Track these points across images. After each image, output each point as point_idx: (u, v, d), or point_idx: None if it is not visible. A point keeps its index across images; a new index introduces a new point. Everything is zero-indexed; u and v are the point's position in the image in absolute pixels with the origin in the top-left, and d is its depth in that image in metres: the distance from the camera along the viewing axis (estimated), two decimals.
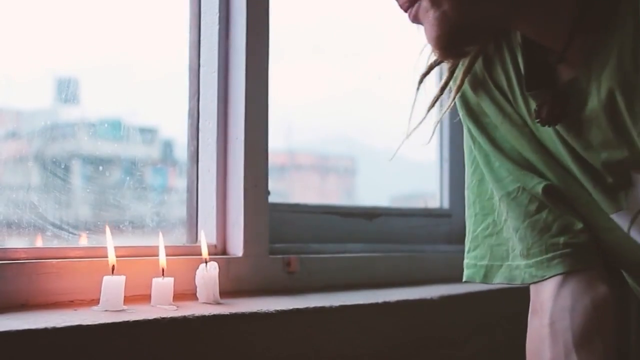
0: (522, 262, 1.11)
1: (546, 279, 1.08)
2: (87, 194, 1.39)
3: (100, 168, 1.39)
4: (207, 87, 1.45)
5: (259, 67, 1.45)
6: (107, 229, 1.18)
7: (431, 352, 1.42)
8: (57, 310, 1.10)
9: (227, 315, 1.15)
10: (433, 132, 1.10)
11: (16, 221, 1.26)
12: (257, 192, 1.43)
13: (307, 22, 1.77)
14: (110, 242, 1.17)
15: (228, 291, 1.34)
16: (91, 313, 1.09)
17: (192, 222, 1.44)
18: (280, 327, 1.20)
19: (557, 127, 0.99)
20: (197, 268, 1.25)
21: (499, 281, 1.14)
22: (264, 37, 1.45)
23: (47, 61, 1.39)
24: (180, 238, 1.45)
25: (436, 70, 1.08)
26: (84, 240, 1.33)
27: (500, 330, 1.54)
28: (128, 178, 1.43)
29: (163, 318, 1.07)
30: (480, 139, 1.11)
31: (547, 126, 1.00)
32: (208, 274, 1.25)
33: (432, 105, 1.06)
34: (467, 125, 1.13)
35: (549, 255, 1.08)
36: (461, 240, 1.20)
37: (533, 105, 1.01)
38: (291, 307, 1.23)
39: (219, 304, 1.23)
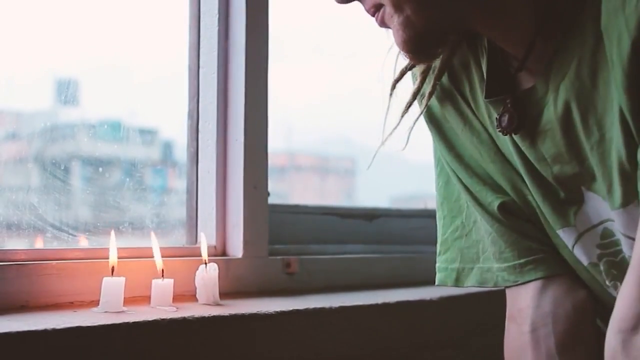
0: (495, 265, 1.09)
1: (519, 284, 1.08)
2: (87, 195, 1.39)
3: (100, 169, 1.40)
4: (206, 88, 1.45)
5: (259, 68, 1.45)
6: (112, 233, 1.18)
7: (431, 353, 1.42)
8: (57, 312, 1.10)
9: (227, 316, 1.15)
10: (408, 139, 1.09)
11: (16, 222, 1.26)
12: (257, 193, 1.43)
13: (306, 23, 1.77)
14: (113, 243, 1.17)
15: (228, 292, 1.34)
16: (91, 314, 1.09)
17: (192, 224, 1.44)
18: (280, 328, 1.20)
19: (514, 136, 0.98)
20: (197, 269, 1.25)
21: (471, 284, 1.13)
22: (263, 38, 1.45)
23: (47, 62, 1.39)
24: (180, 239, 1.45)
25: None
26: (83, 242, 1.33)
27: (500, 331, 1.53)
28: (128, 179, 1.43)
29: (163, 319, 1.07)
30: (440, 145, 1.11)
31: (507, 135, 0.99)
32: (208, 275, 1.25)
33: (405, 111, 1.05)
34: (430, 131, 1.13)
35: (522, 260, 1.07)
36: None
37: (494, 113, 1.00)
38: (291, 308, 1.23)
39: (218, 305, 1.23)
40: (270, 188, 1.46)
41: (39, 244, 1.28)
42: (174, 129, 1.54)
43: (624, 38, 0.81)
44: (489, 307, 1.55)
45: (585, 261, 1.01)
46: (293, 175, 2.07)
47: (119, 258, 1.17)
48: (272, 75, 1.47)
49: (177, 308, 1.17)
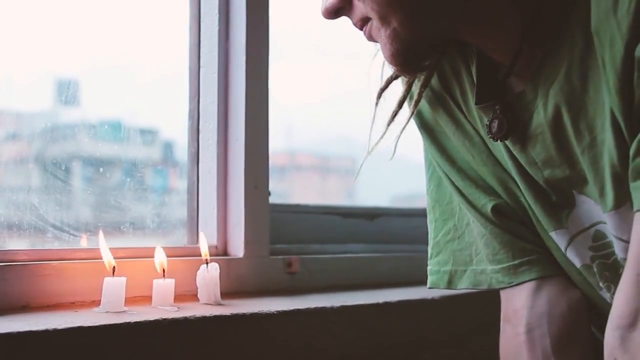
0: (489, 267, 1.09)
1: (514, 285, 1.08)
2: (88, 195, 1.39)
3: (101, 169, 1.39)
4: (207, 88, 1.45)
5: (259, 68, 1.45)
6: (101, 234, 1.18)
7: (432, 352, 1.42)
8: (58, 312, 1.10)
9: (228, 316, 1.15)
10: (395, 148, 1.09)
11: (17, 223, 1.26)
12: (258, 192, 1.43)
13: (307, 23, 1.77)
14: (104, 244, 1.17)
15: (229, 292, 1.34)
16: (92, 314, 1.09)
17: (193, 223, 1.44)
18: (281, 328, 1.20)
19: (505, 141, 0.99)
20: (198, 269, 1.25)
21: (464, 286, 1.13)
22: (264, 38, 1.45)
23: (47, 63, 1.39)
24: (181, 239, 1.45)
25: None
26: (84, 242, 1.33)
27: None
28: (128, 179, 1.43)
29: (164, 319, 1.07)
30: (432, 149, 1.11)
31: (497, 141, 0.99)
32: (209, 274, 1.25)
33: (392, 120, 1.05)
34: (421, 135, 1.13)
35: (516, 261, 1.07)
36: None
37: (485, 118, 1.00)
38: (292, 308, 1.23)
39: (220, 304, 1.23)
40: (271, 188, 1.46)
41: (40, 244, 1.28)
42: (175, 129, 1.54)
43: (616, 40, 0.81)
44: (490, 306, 1.55)
45: (578, 263, 1.01)
46: (294, 175, 2.07)
47: (120, 258, 1.17)
48: (273, 75, 1.47)
49: (178, 308, 1.17)
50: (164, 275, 1.20)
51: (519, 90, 0.95)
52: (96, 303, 1.15)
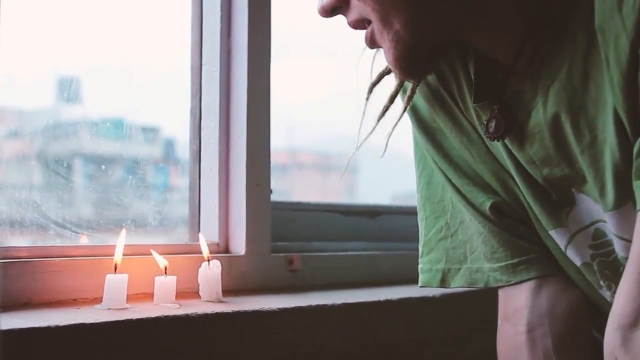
0: (486, 265, 1.09)
1: (512, 284, 1.07)
2: (90, 192, 1.40)
3: (103, 167, 1.40)
4: (209, 86, 1.45)
5: (261, 66, 1.45)
6: (123, 232, 1.18)
7: (433, 350, 1.42)
8: (60, 309, 1.10)
9: (230, 313, 1.15)
10: (386, 146, 1.08)
11: (19, 220, 1.27)
12: (259, 190, 1.43)
13: (308, 21, 1.77)
14: (121, 241, 1.17)
15: (230, 289, 1.34)
16: (94, 311, 1.09)
17: (195, 221, 1.45)
18: (282, 325, 1.20)
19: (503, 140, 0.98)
20: (200, 266, 1.25)
21: (458, 285, 1.12)
22: (265, 36, 1.45)
23: (49, 60, 1.39)
24: (182, 237, 1.45)
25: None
26: (86, 239, 1.33)
27: None
28: (130, 177, 1.43)
29: (166, 316, 1.07)
30: (428, 146, 1.10)
31: (495, 141, 0.98)
32: (210, 272, 1.25)
33: (382, 115, 1.04)
34: (414, 132, 1.12)
35: (515, 260, 1.06)
36: None
37: (483, 116, 0.99)
38: (293, 305, 1.23)
39: (221, 302, 1.23)
40: (272, 185, 1.47)
41: (42, 241, 1.28)
42: (177, 126, 1.54)
43: (621, 38, 0.81)
44: (491, 305, 1.55)
45: (578, 262, 1.01)
46: (295, 173, 2.08)
47: (122, 255, 1.17)
48: (275, 73, 1.47)
49: (180, 305, 1.17)
50: (165, 273, 1.20)
51: (518, 89, 0.95)
52: (98, 300, 1.15)
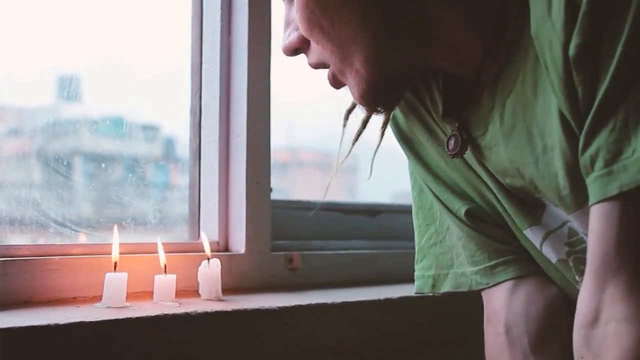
0: (468, 269, 1.11)
1: (491, 286, 1.09)
2: (90, 191, 1.39)
3: (103, 165, 1.40)
4: (209, 84, 1.45)
5: (261, 64, 1.45)
6: (115, 229, 1.18)
7: (434, 348, 1.42)
8: (60, 307, 1.10)
9: (230, 312, 1.15)
10: (371, 169, 1.11)
11: (19, 218, 1.27)
12: (260, 189, 1.43)
13: None
14: (115, 239, 1.17)
15: (230, 288, 1.34)
16: (94, 310, 1.09)
17: (194, 219, 1.45)
18: (282, 324, 1.20)
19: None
20: (200, 265, 1.25)
21: (446, 289, 1.15)
22: (266, 34, 1.45)
23: (49, 59, 1.39)
24: (182, 235, 1.45)
25: None
26: (86, 238, 1.33)
27: None
28: (130, 175, 1.43)
29: (165, 315, 1.07)
30: (409, 157, 1.12)
31: (454, 158, 1.00)
32: (210, 270, 1.25)
33: (356, 139, 1.07)
34: (399, 144, 1.14)
35: (492, 262, 1.08)
36: None
37: (450, 129, 1.01)
38: (293, 304, 1.23)
39: (221, 300, 1.23)
40: (272, 184, 1.47)
41: (42, 239, 1.28)
42: (177, 125, 1.54)
43: (554, 42, 0.81)
44: None
45: (554, 258, 1.02)
46: (295, 171, 2.08)
47: (121, 254, 1.17)
48: (275, 71, 1.47)
49: (179, 304, 1.17)
50: (165, 271, 1.20)
51: (480, 103, 0.96)
52: (98, 298, 1.15)
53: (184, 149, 1.50)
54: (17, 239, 1.27)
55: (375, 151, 1.09)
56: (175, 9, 1.53)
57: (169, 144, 1.59)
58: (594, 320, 0.81)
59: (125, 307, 1.12)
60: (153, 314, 1.06)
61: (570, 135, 0.85)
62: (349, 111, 1.08)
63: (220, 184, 1.43)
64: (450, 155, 1.00)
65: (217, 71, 1.44)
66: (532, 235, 1.02)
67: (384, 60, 0.92)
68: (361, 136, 1.07)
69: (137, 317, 1.04)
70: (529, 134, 0.90)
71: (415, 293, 1.19)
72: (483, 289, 1.12)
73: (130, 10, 1.47)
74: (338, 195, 2.10)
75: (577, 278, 1.00)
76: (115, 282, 1.13)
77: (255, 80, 1.43)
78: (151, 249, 1.25)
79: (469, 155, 1.00)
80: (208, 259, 1.25)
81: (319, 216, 1.65)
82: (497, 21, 0.91)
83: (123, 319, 1.03)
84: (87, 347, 0.99)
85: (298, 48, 0.96)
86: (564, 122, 0.85)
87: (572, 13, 0.79)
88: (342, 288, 1.47)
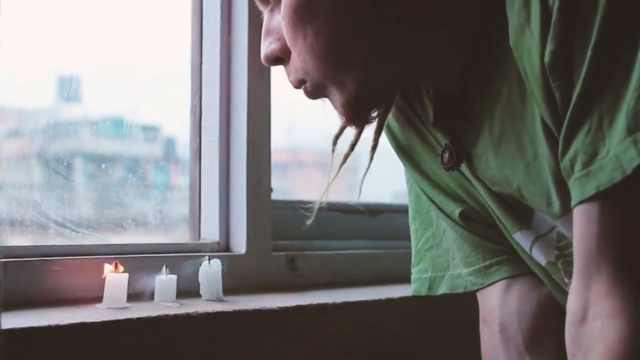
0: (463, 271, 1.13)
1: (486, 286, 1.11)
2: (90, 191, 1.39)
3: (103, 166, 1.39)
4: (209, 84, 1.45)
5: (261, 64, 1.43)
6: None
7: (434, 348, 1.42)
8: (61, 308, 1.10)
9: (231, 312, 1.15)
10: (361, 187, 1.13)
11: (19, 219, 1.26)
12: (260, 189, 1.43)
13: None
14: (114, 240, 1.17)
15: (231, 288, 1.33)
16: (94, 311, 1.09)
17: (195, 220, 1.44)
18: (283, 324, 1.20)
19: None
20: (200, 265, 1.25)
21: (442, 291, 1.17)
22: None
23: (49, 59, 1.39)
24: (183, 235, 1.45)
25: None
26: (86, 238, 1.33)
27: None
28: (130, 176, 1.43)
29: (166, 315, 1.07)
30: (403, 161, 1.13)
31: (449, 172, 1.02)
32: (211, 271, 1.25)
33: (344, 162, 1.08)
34: (392, 148, 1.15)
35: (486, 262, 1.10)
36: None
37: (442, 138, 1.02)
38: (294, 304, 1.23)
39: (222, 301, 1.23)
40: (273, 184, 1.46)
41: (42, 240, 1.28)
42: (177, 125, 1.53)
43: (532, 51, 0.82)
44: None
45: (543, 261, 1.02)
46: (296, 171, 2.07)
47: (122, 254, 1.17)
48: (275, 71, 1.46)
49: (180, 304, 1.17)
50: (166, 272, 1.20)
51: (469, 113, 0.97)
52: (98, 299, 1.15)
53: (184, 149, 1.50)
54: (18, 240, 1.27)
55: (366, 171, 1.09)
56: (175, 9, 1.53)
57: (169, 144, 1.59)
58: (583, 318, 0.82)
59: (126, 307, 1.12)
60: (154, 315, 1.06)
61: (553, 141, 0.86)
62: (337, 137, 1.09)
63: (220, 185, 1.43)
64: (445, 169, 1.01)
65: (217, 71, 1.44)
66: (522, 239, 1.03)
67: (372, 73, 0.92)
68: (364, 136, 1.07)
69: (138, 318, 1.04)
70: (519, 141, 0.91)
71: (412, 295, 1.21)
72: (478, 290, 1.13)
73: (130, 11, 1.46)
74: (339, 195, 2.10)
75: (566, 280, 1.01)
76: (116, 283, 1.13)
77: (256, 80, 1.43)
78: (152, 250, 1.25)
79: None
80: (209, 259, 1.25)
81: (319, 216, 1.64)
82: (480, 34, 0.91)
83: (124, 320, 1.03)
84: (87, 348, 0.99)
85: (279, 58, 0.96)
86: (546, 129, 0.86)
87: (547, 21, 0.80)
88: (343, 288, 1.47)
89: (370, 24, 0.89)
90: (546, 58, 0.80)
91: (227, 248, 1.43)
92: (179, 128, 1.53)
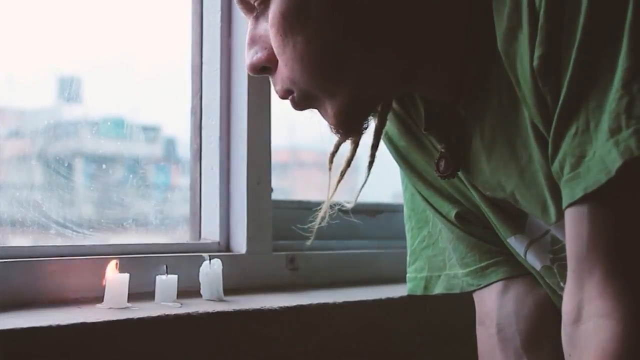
0: (460, 271, 1.12)
1: (482, 287, 1.11)
2: (91, 192, 1.40)
3: (104, 166, 1.40)
4: (209, 84, 1.45)
5: None
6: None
7: (435, 347, 1.42)
8: (62, 308, 1.10)
9: (231, 312, 1.15)
10: (357, 197, 1.14)
11: (20, 220, 1.27)
12: (260, 189, 1.43)
13: None
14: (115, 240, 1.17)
15: (232, 288, 1.34)
16: (95, 311, 1.09)
17: (196, 220, 1.45)
18: (284, 324, 1.21)
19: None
20: (201, 265, 1.26)
21: (438, 291, 1.17)
22: None
23: (50, 60, 1.39)
24: (183, 235, 1.45)
25: None
26: (87, 238, 1.33)
27: None
28: (131, 176, 1.43)
29: (167, 315, 1.07)
30: (398, 162, 1.13)
31: (446, 180, 1.01)
32: (212, 271, 1.25)
33: (340, 179, 1.09)
34: (388, 150, 1.15)
35: (483, 264, 1.10)
36: None
37: (436, 144, 1.02)
38: (295, 304, 1.23)
39: (222, 301, 1.24)
40: (273, 184, 1.46)
41: (43, 241, 1.28)
42: (177, 125, 1.54)
43: (524, 57, 0.82)
44: None
45: (538, 265, 1.02)
46: (296, 172, 2.07)
47: (123, 255, 1.17)
48: None
49: (181, 304, 1.17)
50: (166, 272, 1.20)
51: (462, 118, 0.97)
52: (99, 299, 1.15)
53: (184, 149, 1.50)
54: (19, 241, 1.27)
55: (365, 180, 1.08)
56: (176, 9, 1.53)
57: (170, 144, 1.59)
58: (577, 318, 0.82)
59: (127, 307, 1.12)
60: (155, 315, 1.06)
61: (545, 146, 0.85)
62: (332, 155, 1.09)
63: (221, 185, 1.43)
64: (441, 177, 1.01)
65: (218, 71, 1.44)
66: (516, 244, 1.03)
67: (363, 83, 0.91)
68: (364, 136, 1.07)
69: (138, 318, 1.04)
70: (511, 146, 0.91)
71: (407, 295, 1.21)
72: (474, 291, 1.13)
73: (130, 11, 1.47)
74: (339, 195, 2.10)
75: (561, 284, 1.01)
76: (117, 283, 1.13)
77: (256, 80, 1.43)
78: (153, 250, 1.25)
79: None
80: (209, 259, 1.25)
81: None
82: (468, 42, 0.91)
83: (125, 320, 1.03)
84: (88, 348, 0.99)
85: (265, 67, 0.93)
86: (538, 134, 0.86)
87: (535, 26, 0.80)
88: (344, 288, 1.47)
89: (362, 34, 0.87)
90: (535, 62, 0.80)
91: (228, 248, 1.43)
92: (179, 128, 1.53)
